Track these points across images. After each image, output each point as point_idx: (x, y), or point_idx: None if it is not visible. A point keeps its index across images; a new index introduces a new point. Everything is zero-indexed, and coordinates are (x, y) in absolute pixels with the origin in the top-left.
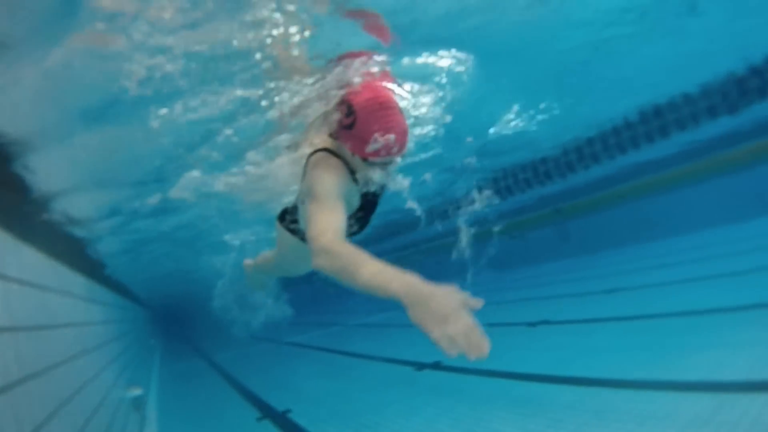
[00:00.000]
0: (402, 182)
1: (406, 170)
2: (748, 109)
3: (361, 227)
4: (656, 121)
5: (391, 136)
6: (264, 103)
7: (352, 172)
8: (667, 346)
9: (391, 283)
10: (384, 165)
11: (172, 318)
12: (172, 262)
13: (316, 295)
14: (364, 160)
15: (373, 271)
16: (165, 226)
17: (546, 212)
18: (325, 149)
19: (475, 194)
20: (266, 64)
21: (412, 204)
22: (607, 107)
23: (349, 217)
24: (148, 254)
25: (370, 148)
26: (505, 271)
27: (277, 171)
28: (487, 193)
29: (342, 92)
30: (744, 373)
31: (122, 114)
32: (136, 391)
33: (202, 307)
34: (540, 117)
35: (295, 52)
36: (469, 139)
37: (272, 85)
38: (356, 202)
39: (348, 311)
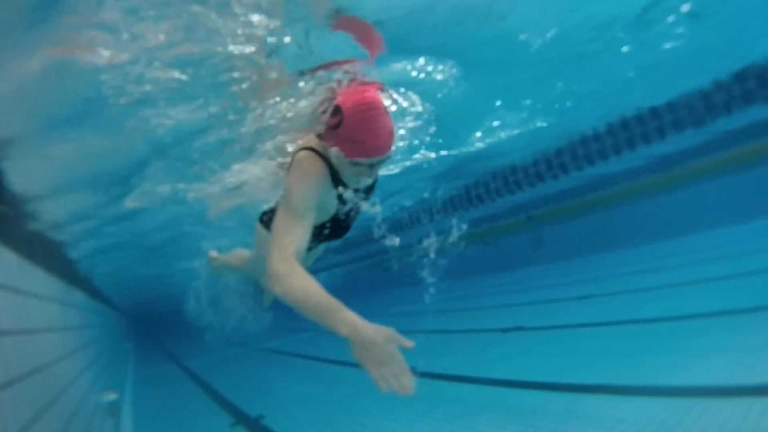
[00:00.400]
0: (369, 208)
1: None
2: (713, 124)
3: (344, 231)
4: (624, 133)
5: (378, 137)
6: (232, 116)
7: (334, 174)
8: (639, 352)
9: (338, 326)
10: (370, 166)
11: (147, 322)
12: (147, 267)
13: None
14: (351, 160)
15: (323, 311)
16: (139, 231)
17: (519, 219)
18: (310, 148)
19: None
20: (246, 81)
21: (380, 232)
22: (582, 118)
23: (326, 222)
24: (123, 259)
25: (356, 148)
26: (480, 278)
27: (253, 181)
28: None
29: (329, 94)
30: (713, 379)
31: (98, 121)
32: (111, 396)
33: (176, 312)
34: (517, 131)
35: (273, 72)
36: (449, 152)
37: (253, 101)
38: (333, 206)
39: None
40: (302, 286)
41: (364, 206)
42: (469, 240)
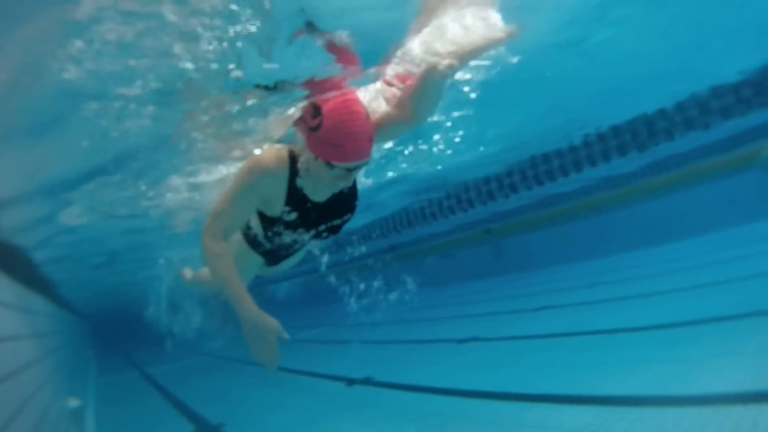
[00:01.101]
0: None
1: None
2: (656, 148)
3: (317, 232)
4: (584, 150)
5: (357, 141)
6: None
7: (292, 176)
8: (588, 362)
9: (239, 308)
10: (348, 170)
11: (109, 329)
12: (108, 274)
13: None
14: (328, 163)
15: (230, 291)
16: (96, 238)
17: (476, 232)
18: (282, 150)
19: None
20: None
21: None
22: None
23: (287, 222)
24: (83, 265)
25: (334, 152)
26: (438, 289)
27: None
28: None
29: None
30: (660, 389)
31: (56, 130)
32: (75, 403)
33: (138, 319)
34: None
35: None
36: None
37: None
38: (279, 206)
39: (283, 326)
40: (221, 265)
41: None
42: (428, 252)
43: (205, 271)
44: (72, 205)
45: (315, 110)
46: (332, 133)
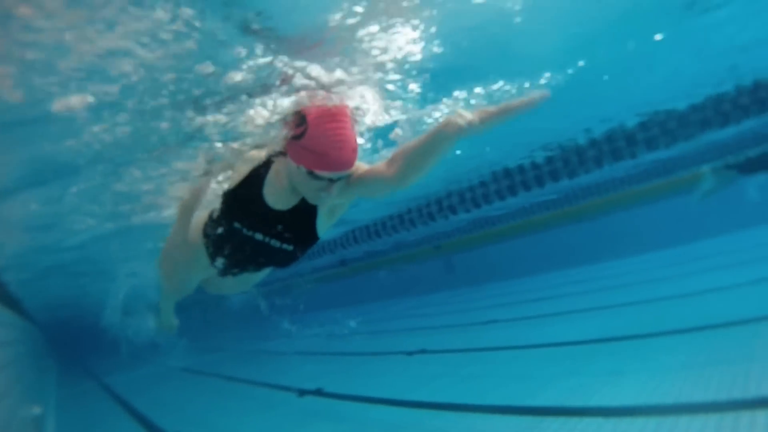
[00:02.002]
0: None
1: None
2: (587, 175)
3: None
4: (532, 171)
5: (342, 150)
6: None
7: (259, 182)
8: (532, 374)
9: (165, 301)
10: (330, 180)
11: (69, 339)
12: (68, 285)
13: (207, 320)
14: (310, 172)
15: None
16: (52, 249)
17: (427, 248)
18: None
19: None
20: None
21: None
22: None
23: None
24: (40, 275)
25: (318, 160)
26: (391, 302)
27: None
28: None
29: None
30: (600, 399)
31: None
32: (35, 411)
33: (98, 329)
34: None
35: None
36: None
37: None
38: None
39: (235, 337)
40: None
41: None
42: (381, 266)
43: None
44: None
45: (300, 118)
46: (316, 141)
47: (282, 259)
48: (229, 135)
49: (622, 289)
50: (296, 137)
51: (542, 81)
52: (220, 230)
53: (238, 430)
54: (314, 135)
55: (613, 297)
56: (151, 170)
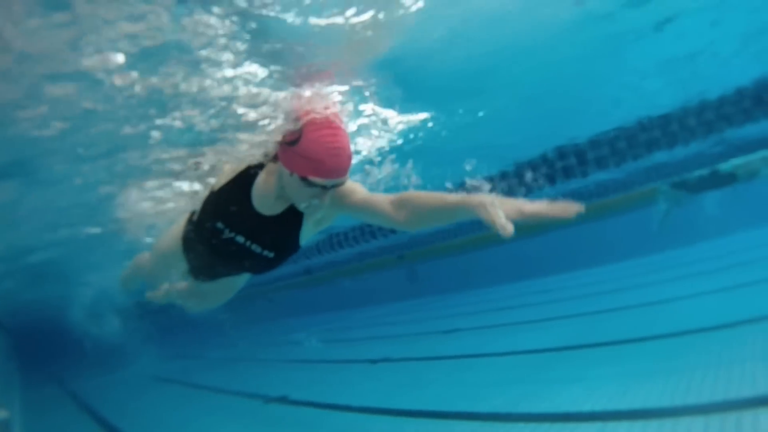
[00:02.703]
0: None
1: None
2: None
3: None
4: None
5: (338, 157)
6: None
7: (248, 184)
8: (490, 382)
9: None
10: (324, 188)
11: (33, 343)
12: (32, 289)
13: (172, 326)
14: (303, 179)
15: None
16: (11, 254)
17: (390, 258)
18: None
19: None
20: None
21: None
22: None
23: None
24: (8, 278)
25: (313, 167)
26: (355, 310)
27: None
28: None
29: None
30: (556, 406)
31: None
32: (3, 414)
33: (63, 333)
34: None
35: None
36: None
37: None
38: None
39: (202, 344)
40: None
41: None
42: (345, 275)
43: (143, 258)
44: None
45: (295, 124)
46: (312, 148)
47: (261, 265)
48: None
49: (581, 300)
50: (290, 143)
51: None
52: (200, 230)
53: None
54: (309, 141)
55: (572, 307)
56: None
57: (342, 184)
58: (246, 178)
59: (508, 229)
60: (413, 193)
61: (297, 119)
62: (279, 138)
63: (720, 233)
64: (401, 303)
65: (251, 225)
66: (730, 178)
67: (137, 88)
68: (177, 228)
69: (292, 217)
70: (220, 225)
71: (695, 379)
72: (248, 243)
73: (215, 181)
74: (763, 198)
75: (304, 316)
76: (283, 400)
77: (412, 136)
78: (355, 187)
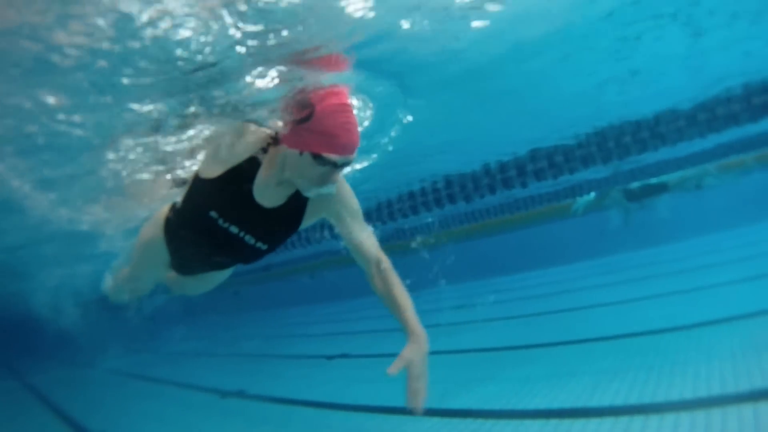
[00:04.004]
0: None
1: None
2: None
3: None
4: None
5: (351, 132)
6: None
7: (251, 174)
8: (443, 379)
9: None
10: (335, 166)
11: None
12: None
13: (130, 319)
14: (316, 157)
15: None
16: None
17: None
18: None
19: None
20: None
21: None
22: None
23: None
24: None
25: (327, 142)
26: (313, 306)
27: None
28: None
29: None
30: (513, 403)
31: None
32: None
33: (21, 326)
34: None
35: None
36: None
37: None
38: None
39: (160, 338)
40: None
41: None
42: (303, 272)
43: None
44: None
45: (303, 100)
46: (325, 123)
47: (249, 257)
48: None
49: (537, 300)
50: (302, 120)
51: None
52: (187, 218)
53: (162, 431)
54: (322, 116)
55: (528, 306)
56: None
57: (352, 161)
58: (250, 168)
59: (419, 408)
60: (391, 277)
61: (305, 94)
62: (287, 116)
63: (673, 238)
64: (361, 300)
65: (248, 216)
66: (662, 189)
67: None
68: (158, 217)
69: (293, 210)
70: (213, 214)
71: (651, 379)
72: (242, 234)
73: (202, 167)
74: (711, 206)
75: (262, 311)
76: (241, 394)
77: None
78: (349, 192)
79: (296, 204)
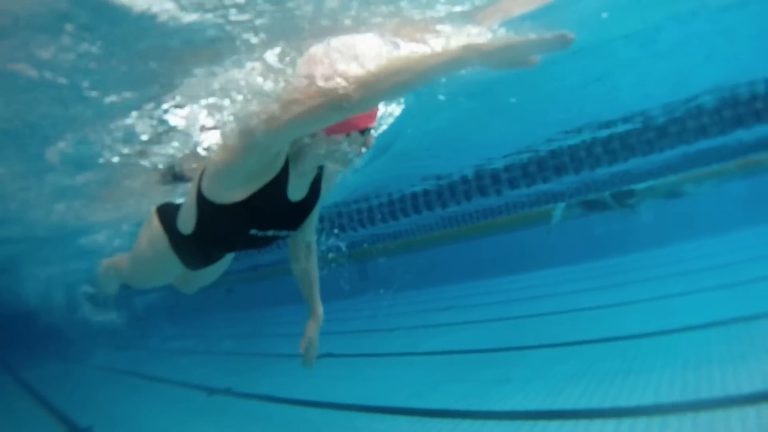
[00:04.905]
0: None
1: None
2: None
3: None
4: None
5: None
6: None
7: (284, 182)
8: (426, 379)
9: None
10: (363, 133)
11: None
12: None
13: (120, 316)
14: (363, 131)
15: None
16: None
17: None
18: None
19: None
20: None
21: None
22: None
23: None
24: None
25: (368, 115)
26: (302, 306)
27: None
28: None
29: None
30: (489, 404)
31: None
32: None
33: (13, 321)
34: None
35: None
36: None
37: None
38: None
39: (149, 335)
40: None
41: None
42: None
43: (119, 259)
44: None
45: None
46: None
47: (269, 244)
48: None
49: (521, 303)
50: None
51: None
52: (217, 241)
53: (150, 428)
54: None
55: (510, 309)
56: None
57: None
58: (284, 172)
59: (311, 363)
60: (314, 257)
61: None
62: None
63: (656, 244)
64: (350, 300)
65: (285, 216)
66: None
67: None
68: (157, 235)
69: (315, 191)
70: (254, 231)
71: (627, 383)
72: (279, 233)
73: (214, 190)
74: (695, 212)
75: (251, 309)
76: (227, 391)
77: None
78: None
79: (316, 185)
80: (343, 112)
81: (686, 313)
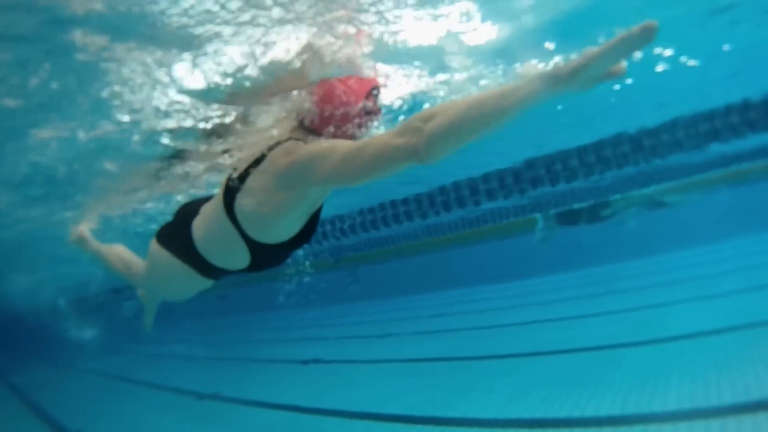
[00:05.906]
0: None
1: None
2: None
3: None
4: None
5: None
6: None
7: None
8: (414, 386)
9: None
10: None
11: None
12: None
13: (110, 320)
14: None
15: None
16: None
17: (328, 261)
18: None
19: None
20: None
21: None
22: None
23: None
24: None
25: (360, 84)
26: (293, 311)
27: None
28: None
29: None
30: (457, 411)
31: None
32: None
33: (3, 327)
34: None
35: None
36: None
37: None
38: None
39: (139, 340)
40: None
41: None
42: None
43: (112, 251)
44: None
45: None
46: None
47: None
48: None
49: (511, 310)
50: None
51: None
52: (256, 267)
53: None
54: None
55: (503, 317)
56: None
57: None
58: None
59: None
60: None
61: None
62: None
63: (643, 253)
64: (341, 306)
65: (312, 232)
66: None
67: None
68: (187, 275)
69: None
70: (289, 253)
71: (611, 392)
72: (302, 246)
73: (265, 232)
74: (683, 222)
75: (241, 314)
76: (216, 396)
77: None
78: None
79: None
80: (414, 163)
81: (669, 323)
